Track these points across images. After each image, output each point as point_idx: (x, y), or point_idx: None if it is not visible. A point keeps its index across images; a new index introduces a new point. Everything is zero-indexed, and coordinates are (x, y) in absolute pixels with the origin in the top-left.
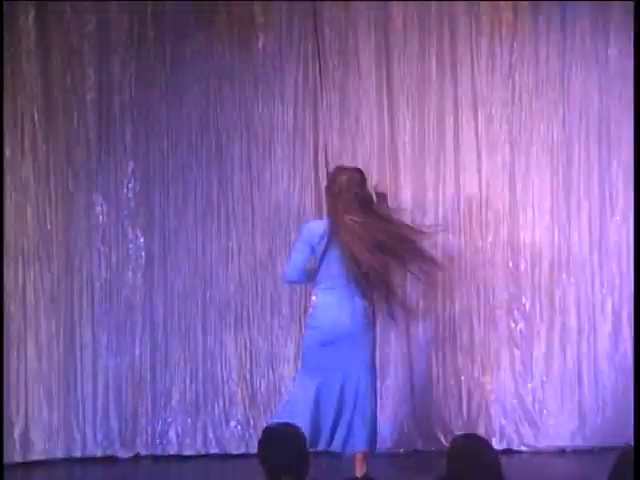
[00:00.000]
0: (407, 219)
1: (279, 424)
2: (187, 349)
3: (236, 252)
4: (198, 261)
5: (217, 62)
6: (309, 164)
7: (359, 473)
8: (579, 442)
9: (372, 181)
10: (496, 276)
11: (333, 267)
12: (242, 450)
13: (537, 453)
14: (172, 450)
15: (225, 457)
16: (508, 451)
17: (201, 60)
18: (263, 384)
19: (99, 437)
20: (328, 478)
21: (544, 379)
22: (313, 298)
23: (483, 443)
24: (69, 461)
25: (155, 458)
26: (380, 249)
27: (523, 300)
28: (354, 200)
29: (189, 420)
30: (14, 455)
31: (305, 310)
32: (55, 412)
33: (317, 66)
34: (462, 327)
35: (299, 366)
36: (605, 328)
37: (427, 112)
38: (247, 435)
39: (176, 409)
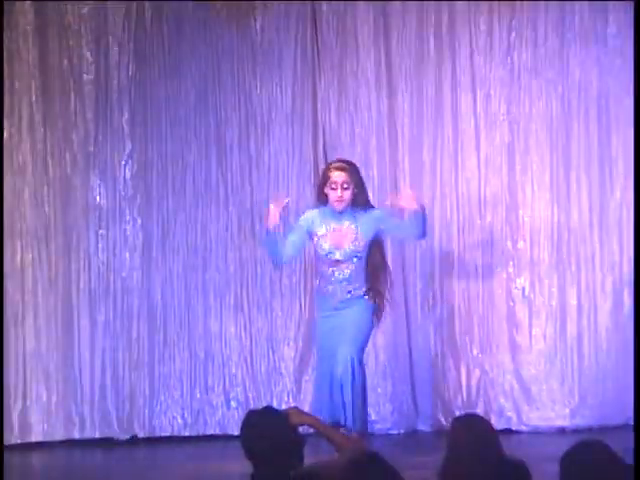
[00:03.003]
0: None
1: (263, 408)
2: (186, 330)
3: (235, 233)
4: (197, 242)
5: (215, 43)
6: (308, 144)
7: None
8: (579, 421)
9: (371, 161)
10: (495, 255)
11: None
12: None
13: (536, 432)
14: (170, 432)
15: (225, 438)
16: (507, 430)
17: (199, 41)
18: (263, 365)
19: (97, 419)
20: None
21: (543, 358)
22: None
23: (483, 423)
24: (67, 443)
25: (153, 440)
26: None
27: (522, 279)
28: None
29: (188, 401)
30: (12, 437)
31: (305, 290)
32: (53, 394)
33: (315, 46)
34: (461, 306)
35: None
36: (605, 306)
37: (425, 91)
38: None
39: (175, 390)
